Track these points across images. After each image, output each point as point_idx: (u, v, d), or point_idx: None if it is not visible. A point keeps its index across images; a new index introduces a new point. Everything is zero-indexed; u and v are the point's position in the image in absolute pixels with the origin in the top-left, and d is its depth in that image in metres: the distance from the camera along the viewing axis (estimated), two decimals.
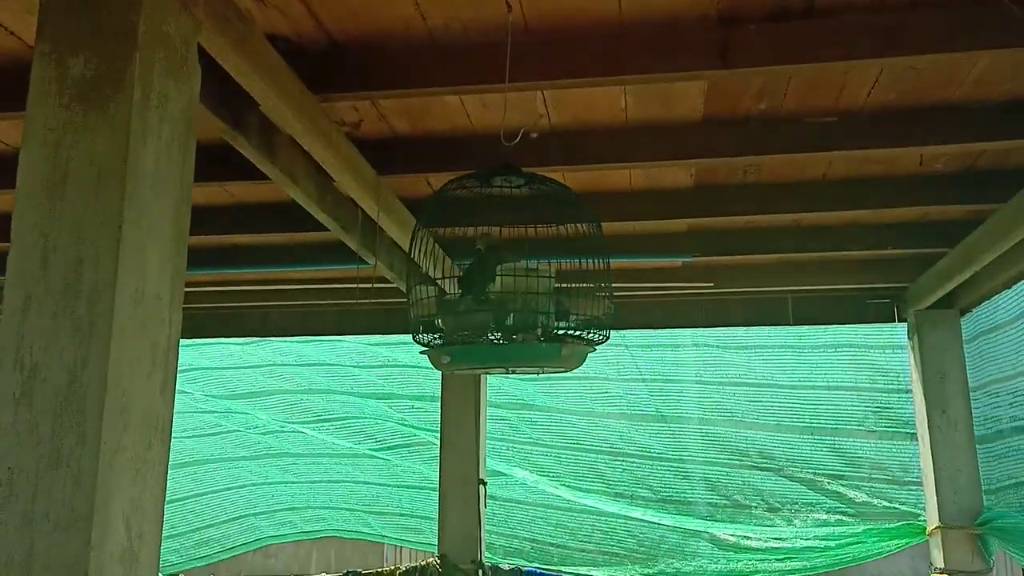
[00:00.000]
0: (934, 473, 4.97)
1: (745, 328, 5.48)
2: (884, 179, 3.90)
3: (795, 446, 5.53)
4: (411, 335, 1.93)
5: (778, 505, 5.45)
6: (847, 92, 3.08)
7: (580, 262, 1.92)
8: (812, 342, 5.56)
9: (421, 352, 1.93)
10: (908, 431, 5.29)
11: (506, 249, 1.93)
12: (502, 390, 5.88)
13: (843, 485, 5.38)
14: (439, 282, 1.87)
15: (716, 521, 5.48)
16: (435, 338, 1.85)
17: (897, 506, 5.31)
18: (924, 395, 5.04)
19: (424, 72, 2.73)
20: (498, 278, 1.79)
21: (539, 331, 1.80)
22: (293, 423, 6.51)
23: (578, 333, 1.87)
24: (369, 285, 4.34)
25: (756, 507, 5.48)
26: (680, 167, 3.70)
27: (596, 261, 1.93)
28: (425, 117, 3.24)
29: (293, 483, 6.77)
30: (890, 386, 5.42)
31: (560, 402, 5.94)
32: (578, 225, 1.95)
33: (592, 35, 2.66)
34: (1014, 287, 4.55)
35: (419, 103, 3.11)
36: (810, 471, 5.47)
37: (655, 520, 5.60)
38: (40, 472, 1.72)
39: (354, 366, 6.29)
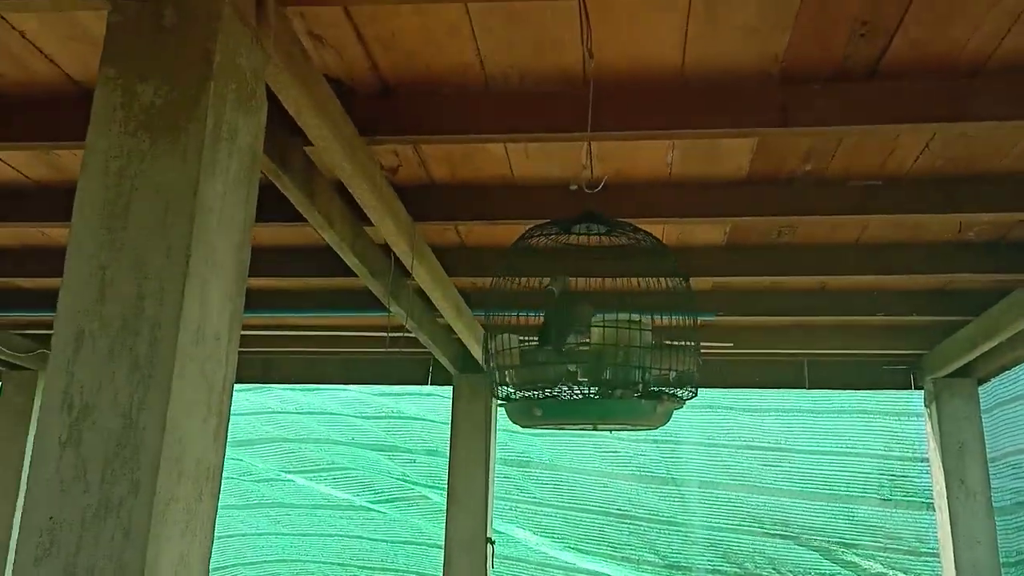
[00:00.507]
0: (952, 544, 4.87)
1: (760, 390, 5.40)
2: (917, 245, 3.87)
3: (809, 513, 5.42)
4: (493, 387, 1.84)
5: (791, 575, 5.33)
6: (895, 156, 3.05)
7: (670, 317, 1.84)
8: (827, 407, 5.49)
9: (499, 405, 1.83)
10: (924, 500, 5.20)
11: (586, 297, 1.85)
12: (508, 446, 5.76)
13: (857, 555, 5.27)
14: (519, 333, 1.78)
15: None
16: (522, 391, 1.76)
17: None
18: (943, 464, 4.96)
19: (476, 118, 2.68)
20: (595, 329, 1.71)
21: (639, 387, 1.72)
22: (289, 472, 6.35)
23: (672, 390, 1.78)
24: (398, 334, 4.24)
25: None
26: (715, 224, 3.65)
27: (685, 316, 1.85)
28: (466, 164, 3.18)
29: (285, 535, 6.58)
30: (906, 454, 5.35)
31: (567, 461, 5.82)
32: (666, 279, 1.87)
33: (652, 88, 2.62)
34: None
35: (462, 150, 3.06)
36: (824, 539, 5.35)
37: None
38: (86, 523, 1.60)
39: (356, 416, 6.15)
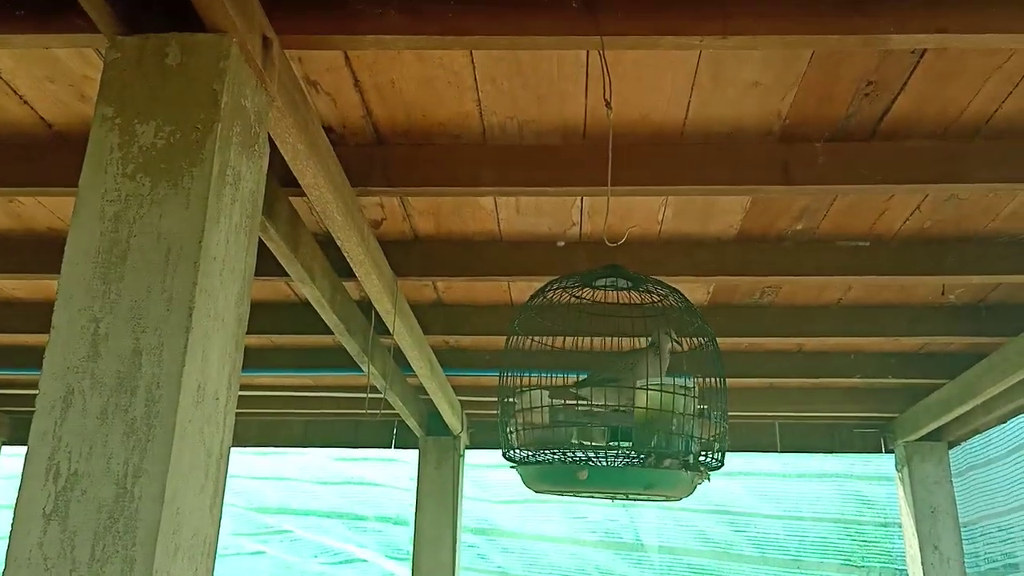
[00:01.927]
0: None
1: (729, 453, 5.32)
2: (898, 307, 3.87)
3: None
4: (506, 448, 1.71)
5: None
6: (886, 217, 3.04)
7: (701, 380, 1.75)
8: (797, 470, 5.44)
9: (512, 467, 1.71)
10: (896, 567, 5.14)
11: (626, 357, 1.75)
12: (472, 513, 5.58)
13: None
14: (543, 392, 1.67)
15: None
16: (543, 453, 1.64)
17: None
18: (916, 529, 4.92)
19: (471, 170, 2.59)
20: (642, 393, 1.61)
21: (681, 456, 1.62)
22: (240, 536, 6.07)
23: (704, 460, 1.68)
24: (371, 395, 4.09)
25: None
26: (700, 283, 3.60)
27: (714, 379, 1.77)
28: (453, 218, 3.08)
29: None
30: (877, 519, 5.29)
31: (534, 527, 5.65)
32: (695, 339, 1.79)
33: (653, 143, 2.57)
34: (1007, 423, 4.52)
35: (451, 203, 2.97)
36: None
37: None
38: None
39: (313, 482, 5.92)
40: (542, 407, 1.63)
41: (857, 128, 2.52)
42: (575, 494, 1.79)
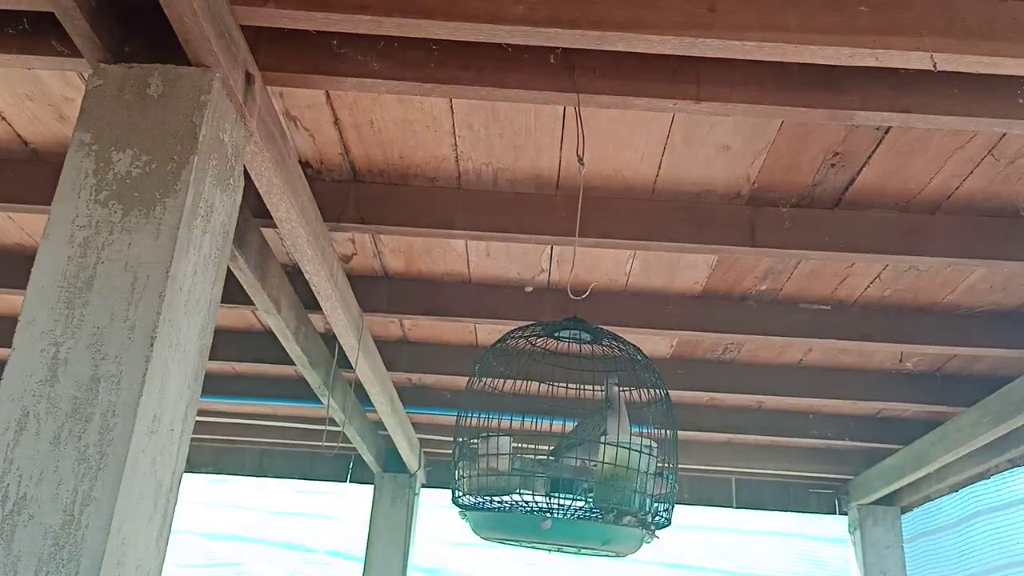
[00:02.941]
0: None
1: (686, 507, 5.34)
2: (856, 371, 3.92)
3: None
4: (460, 493, 1.72)
5: None
6: (847, 283, 3.10)
7: (654, 433, 1.77)
8: (753, 527, 5.45)
9: (461, 515, 1.71)
10: None
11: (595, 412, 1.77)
12: (424, 552, 5.54)
13: None
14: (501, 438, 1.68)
15: None
16: (493, 499, 1.64)
17: None
18: None
19: (444, 212, 2.62)
20: (606, 448, 1.62)
21: (640, 514, 1.63)
22: (186, 567, 5.97)
23: (657, 517, 1.70)
24: (330, 428, 4.07)
25: None
26: (663, 336, 3.64)
27: (666, 433, 1.79)
28: (424, 258, 3.11)
29: None
30: None
31: (485, 572, 5.62)
32: (650, 391, 1.81)
33: (624, 198, 2.61)
34: (959, 492, 4.58)
35: (422, 243, 2.99)
36: None
37: None
38: None
39: (265, 512, 5.85)
40: (499, 454, 1.64)
41: (822, 196, 2.59)
42: (524, 544, 1.80)
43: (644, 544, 1.70)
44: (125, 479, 1.50)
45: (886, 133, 2.27)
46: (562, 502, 1.69)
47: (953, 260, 2.67)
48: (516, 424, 1.78)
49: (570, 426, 1.89)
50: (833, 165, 2.45)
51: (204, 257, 1.74)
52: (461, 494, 1.75)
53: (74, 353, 1.56)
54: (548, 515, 1.59)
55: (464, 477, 1.71)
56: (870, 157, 2.39)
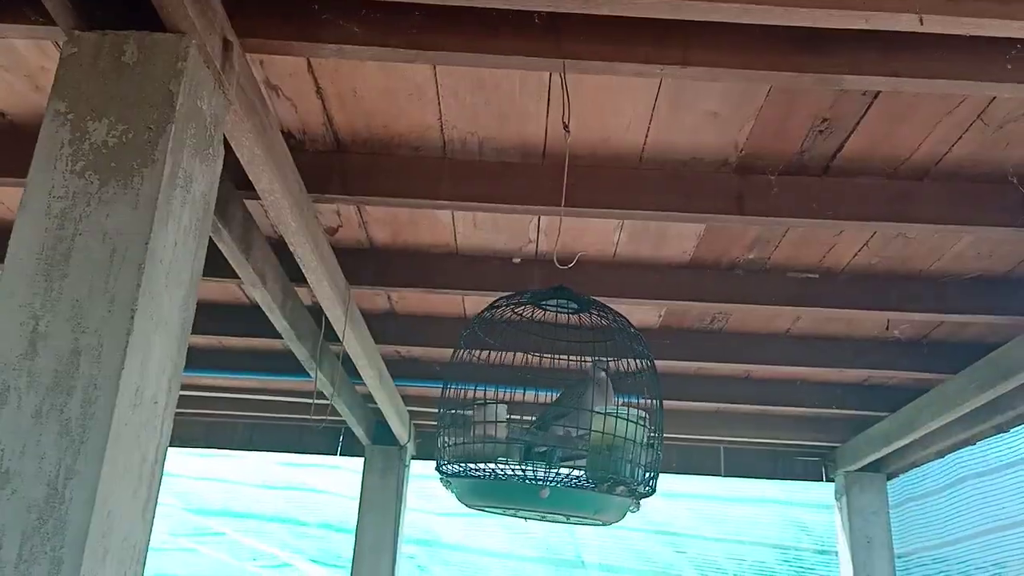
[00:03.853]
0: None
1: (674, 475, 5.37)
2: (844, 340, 3.93)
3: None
4: (446, 462, 1.71)
5: None
6: (835, 251, 3.10)
7: (637, 401, 1.76)
8: (740, 495, 5.49)
9: (444, 480, 1.70)
10: None
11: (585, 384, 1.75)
12: (414, 524, 5.55)
13: None
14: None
15: None
16: (480, 466, 1.63)
17: None
18: (851, 558, 4.99)
19: (430, 183, 2.59)
20: (599, 418, 1.61)
21: (632, 484, 1.62)
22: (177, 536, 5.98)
23: (643, 487, 1.69)
24: (318, 402, 4.05)
25: None
26: (652, 307, 3.63)
27: (653, 403, 1.78)
28: (409, 229, 3.08)
29: None
30: (815, 546, 5.36)
31: (476, 541, 5.64)
32: (634, 361, 1.80)
33: (611, 167, 2.59)
34: (945, 457, 4.61)
35: (408, 214, 2.96)
36: None
37: None
38: None
39: (255, 486, 5.85)
40: (496, 422, 1.63)
41: (811, 163, 2.57)
42: (511, 512, 1.79)
43: (628, 513, 1.70)
44: (109, 452, 1.48)
45: (875, 98, 2.26)
46: (559, 472, 1.69)
47: (941, 227, 2.67)
48: (502, 395, 1.76)
49: (554, 396, 1.88)
50: (821, 132, 2.43)
51: (184, 228, 1.72)
52: (446, 462, 1.74)
53: (54, 326, 1.53)
54: (546, 484, 1.58)
55: (453, 445, 1.70)
56: (858, 123, 2.37)
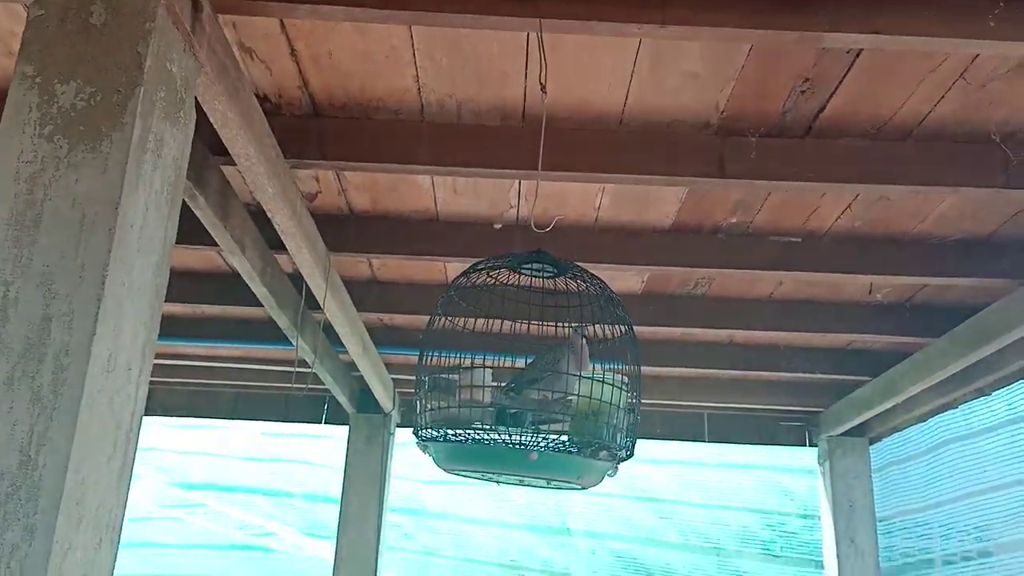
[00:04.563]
0: None
1: (658, 442, 5.39)
2: (826, 304, 3.93)
3: (701, 567, 5.41)
4: (426, 425, 1.70)
5: None
6: (818, 214, 3.09)
7: (615, 367, 1.75)
8: (723, 461, 5.52)
9: (420, 444, 1.69)
10: (812, 558, 5.25)
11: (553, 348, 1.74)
12: (399, 492, 5.56)
13: None
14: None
15: None
16: (458, 431, 1.62)
17: None
18: (833, 522, 5.04)
19: (409, 147, 2.56)
20: (584, 382, 1.60)
21: (614, 448, 1.61)
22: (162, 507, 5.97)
23: (621, 450, 1.68)
24: (301, 370, 4.04)
25: None
26: (634, 272, 3.62)
27: (631, 368, 1.77)
28: (389, 195, 3.05)
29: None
30: (797, 511, 5.40)
31: (461, 509, 5.66)
32: (612, 327, 1.78)
33: (592, 130, 2.56)
34: (927, 421, 4.64)
35: (387, 180, 2.93)
36: None
37: None
38: None
39: (240, 459, 5.84)
40: (483, 387, 1.62)
41: (792, 124, 2.55)
42: (491, 477, 1.78)
43: (607, 476, 1.70)
44: (81, 419, 1.47)
45: (857, 57, 2.23)
46: (545, 436, 1.68)
47: (924, 188, 2.66)
48: (479, 361, 1.75)
49: (526, 362, 1.87)
50: (803, 92, 2.41)
51: (155, 193, 1.69)
52: (426, 426, 1.73)
53: (24, 293, 1.51)
54: (534, 449, 1.58)
55: (432, 410, 1.69)
56: (841, 83, 2.35)
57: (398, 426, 5.44)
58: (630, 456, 1.73)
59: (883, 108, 2.46)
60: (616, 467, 1.69)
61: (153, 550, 6.12)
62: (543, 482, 1.74)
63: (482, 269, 1.78)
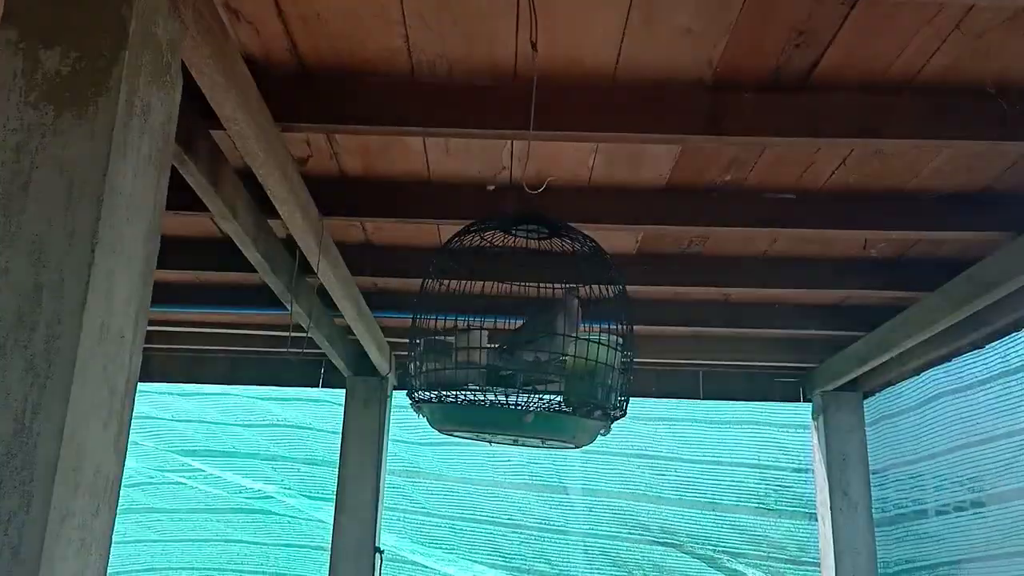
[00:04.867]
0: (834, 554, 4.98)
1: (653, 400, 5.42)
2: (821, 260, 3.93)
3: (696, 522, 5.47)
4: (420, 386, 1.70)
5: None
6: (812, 170, 3.07)
7: (608, 327, 1.75)
8: (718, 417, 5.56)
9: (414, 405, 1.70)
10: (807, 511, 5.31)
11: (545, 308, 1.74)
12: (396, 455, 5.60)
13: (742, 563, 5.34)
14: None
15: None
16: (454, 393, 1.62)
17: None
18: (827, 476, 5.08)
19: (400, 109, 2.54)
20: (575, 343, 1.59)
21: (609, 408, 1.62)
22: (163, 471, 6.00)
23: (614, 409, 1.69)
24: (297, 335, 4.03)
25: None
26: (628, 232, 3.60)
27: (621, 328, 1.77)
28: (381, 158, 3.03)
29: (155, 541, 6.21)
30: (791, 465, 5.46)
31: (458, 470, 5.70)
32: (603, 287, 1.78)
33: (584, 88, 2.54)
34: (921, 375, 4.66)
35: (379, 142, 2.91)
36: (710, 548, 5.41)
37: None
38: None
39: (238, 424, 5.86)
40: (481, 348, 1.62)
41: (787, 79, 2.53)
42: (483, 436, 1.79)
43: (599, 435, 1.70)
44: (75, 387, 1.46)
45: (852, 8, 2.21)
46: (540, 397, 1.69)
47: (919, 142, 2.64)
48: (472, 324, 1.75)
49: (516, 324, 1.87)
50: (798, 46, 2.38)
51: (144, 158, 1.67)
52: (420, 388, 1.73)
53: (14, 262, 1.50)
54: (531, 409, 1.58)
55: (427, 372, 1.69)
56: (835, 35, 2.32)
57: (395, 388, 5.46)
58: (623, 415, 1.74)
59: (878, 61, 2.44)
60: (609, 426, 1.70)
61: (153, 516, 6.17)
62: (537, 442, 1.75)
63: (474, 231, 1.77)
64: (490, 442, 1.83)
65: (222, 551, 6.10)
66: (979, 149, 2.82)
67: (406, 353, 5.24)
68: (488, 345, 1.66)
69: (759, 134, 2.58)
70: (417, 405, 1.75)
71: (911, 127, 2.61)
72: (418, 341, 1.75)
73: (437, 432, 1.74)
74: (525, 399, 1.64)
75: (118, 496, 1.68)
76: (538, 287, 1.86)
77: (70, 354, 1.46)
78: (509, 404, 1.60)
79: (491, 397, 1.66)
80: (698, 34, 2.32)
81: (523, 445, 1.79)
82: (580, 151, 2.95)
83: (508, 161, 3.02)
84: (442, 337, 1.76)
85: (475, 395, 1.67)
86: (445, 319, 1.82)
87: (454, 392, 1.65)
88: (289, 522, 6.05)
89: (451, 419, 1.67)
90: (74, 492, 1.49)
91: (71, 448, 1.46)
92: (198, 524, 6.14)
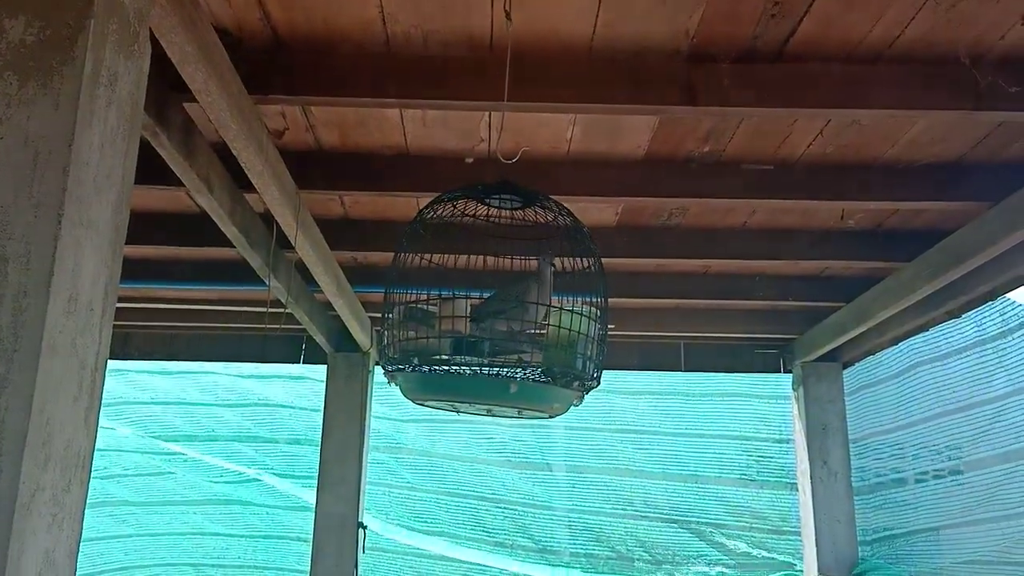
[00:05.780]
0: (814, 523, 5.04)
1: (635, 373, 5.43)
2: (799, 231, 3.94)
3: (678, 494, 5.51)
4: (393, 355, 1.69)
5: (661, 557, 5.39)
6: (790, 141, 3.07)
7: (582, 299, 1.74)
8: (699, 390, 5.58)
9: (387, 373, 1.69)
10: (788, 481, 5.36)
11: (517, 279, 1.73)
12: (379, 431, 5.59)
13: (724, 535, 5.39)
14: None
15: (598, 574, 5.36)
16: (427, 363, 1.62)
17: (775, 556, 5.35)
18: (807, 446, 5.12)
19: (375, 80, 2.51)
20: (560, 314, 1.59)
21: (582, 376, 1.62)
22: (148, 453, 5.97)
23: (589, 379, 1.69)
24: (276, 311, 4.02)
25: (639, 559, 5.40)
26: (608, 204, 3.60)
27: (596, 298, 1.76)
28: (358, 130, 3.00)
29: (130, 537, 6.12)
30: (773, 436, 5.49)
31: (442, 447, 5.70)
32: (579, 259, 1.77)
33: (561, 60, 2.52)
34: (899, 345, 4.69)
35: (355, 114, 2.89)
36: (693, 520, 5.45)
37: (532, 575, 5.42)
38: None
39: (218, 404, 5.83)
40: (466, 317, 1.61)
41: (763, 49, 2.52)
42: (458, 405, 1.78)
43: (572, 406, 1.70)
44: (43, 360, 1.45)
45: None
46: (521, 367, 1.68)
47: (894, 112, 2.64)
48: (442, 295, 1.74)
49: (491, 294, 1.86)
50: (773, 16, 2.37)
51: (111, 129, 1.65)
52: (394, 356, 1.72)
53: None
54: (514, 379, 1.58)
55: (403, 341, 1.68)
56: (811, 5, 2.31)
57: (376, 364, 5.45)
58: (597, 385, 1.74)
59: (853, 31, 2.43)
60: (583, 396, 1.70)
61: (129, 510, 6.09)
62: (513, 412, 1.75)
63: (446, 200, 1.76)
64: (458, 411, 1.82)
65: (197, 544, 6.06)
66: (953, 120, 2.83)
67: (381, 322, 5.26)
68: (462, 315, 1.66)
69: (736, 105, 2.57)
70: (391, 374, 1.75)
71: (887, 97, 2.61)
72: (389, 315, 1.74)
73: (411, 401, 1.73)
74: (506, 370, 1.64)
75: (90, 472, 1.67)
76: (511, 258, 1.85)
77: (38, 327, 1.45)
78: (490, 374, 1.60)
79: (464, 368, 1.66)
80: (674, 4, 2.30)
81: (496, 415, 1.79)
82: (559, 123, 2.93)
83: (486, 133, 3.01)
84: (424, 306, 1.75)
85: (452, 366, 1.66)
86: (416, 292, 1.81)
87: (430, 362, 1.65)
88: (267, 513, 6.03)
89: (425, 388, 1.66)
90: (44, 467, 1.47)
91: (40, 422, 1.45)
92: (175, 517, 6.10)
